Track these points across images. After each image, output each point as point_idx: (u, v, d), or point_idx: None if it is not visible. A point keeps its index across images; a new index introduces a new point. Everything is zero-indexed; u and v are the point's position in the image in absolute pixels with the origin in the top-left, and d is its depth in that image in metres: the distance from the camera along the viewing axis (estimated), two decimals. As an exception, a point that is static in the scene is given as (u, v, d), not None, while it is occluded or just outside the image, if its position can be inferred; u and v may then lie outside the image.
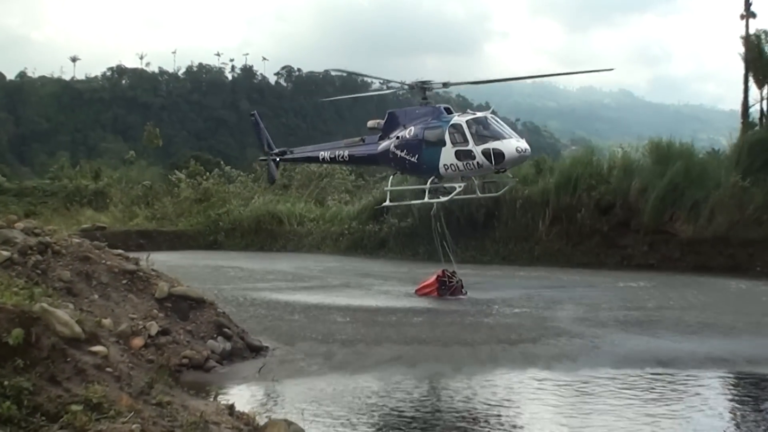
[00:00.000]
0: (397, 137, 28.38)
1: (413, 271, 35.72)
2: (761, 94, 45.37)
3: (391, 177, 30.30)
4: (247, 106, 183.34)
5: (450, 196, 27.42)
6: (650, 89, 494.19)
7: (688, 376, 15.86)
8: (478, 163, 26.03)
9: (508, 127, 27.10)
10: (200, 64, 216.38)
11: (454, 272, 28.30)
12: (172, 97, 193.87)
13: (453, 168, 26.70)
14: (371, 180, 61.59)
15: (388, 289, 30.43)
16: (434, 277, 28.13)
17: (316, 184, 62.87)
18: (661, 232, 40.44)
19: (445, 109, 28.23)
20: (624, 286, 31.58)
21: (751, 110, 45.74)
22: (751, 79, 45.55)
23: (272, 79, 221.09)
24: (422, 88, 29.04)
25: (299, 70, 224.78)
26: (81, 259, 16.48)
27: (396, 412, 12.85)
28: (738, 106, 46.25)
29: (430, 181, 27.48)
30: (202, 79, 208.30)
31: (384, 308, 24.61)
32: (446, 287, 27.72)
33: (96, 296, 15.74)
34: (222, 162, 73.66)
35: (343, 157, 31.32)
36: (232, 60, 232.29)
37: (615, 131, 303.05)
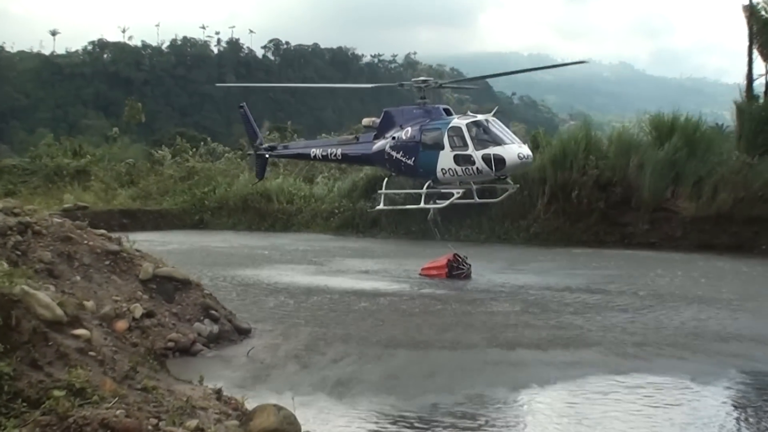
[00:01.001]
0: (393, 138, 28.32)
1: (408, 250, 35.78)
2: (766, 66, 45.37)
3: (386, 179, 30.16)
4: (233, 80, 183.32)
5: (447, 202, 27.34)
6: (652, 62, 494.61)
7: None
8: (477, 168, 26.04)
9: (510, 132, 27.07)
10: (185, 38, 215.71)
11: (465, 257, 28.34)
12: (156, 72, 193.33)
13: (451, 173, 26.69)
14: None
15: (382, 268, 30.48)
16: (444, 260, 28.12)
17: (306, 161, 62.76)
18: (662, 209, 40.56)
19: (445, 110, 28.21)
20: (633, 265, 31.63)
21: (755, 83, 45.73)
22: (755, 51, 45.50)
23: (259, 53, 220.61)
24: (420, 87, 28.94)
25: (287, 43, 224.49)
26: (62, 239, 16.43)
27: (389, 406, 12.80)
28: (743, 79, 46.18)
29: (426, 185, 27.42)
30: (187, 53, 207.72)
31: (382, 291, 24.61)
32: (456, 272, 27.74)
33: (78, 278, 15.70)
34: (208, 138, 73.58)
35: (335, 155, 31.29)
36: (217, 33, 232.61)
37: (615, 105, 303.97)
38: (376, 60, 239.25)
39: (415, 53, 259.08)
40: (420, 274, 28.22)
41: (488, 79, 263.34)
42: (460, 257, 28.14)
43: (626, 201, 41.31)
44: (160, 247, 33.70)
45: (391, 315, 20.18)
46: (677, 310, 21.23)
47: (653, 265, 31.68)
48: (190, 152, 65.23)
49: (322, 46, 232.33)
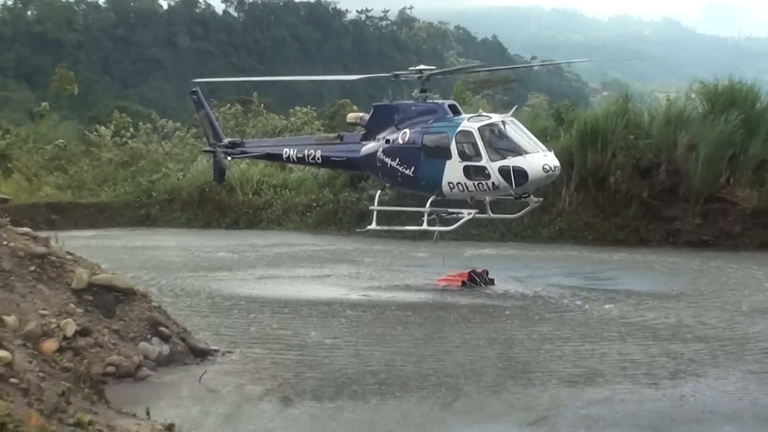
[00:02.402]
0: (387, 140, 28.20)
1: (402, 253, 35.89)
2: None
3: (379, 192, 30.26)
4: (187, 43, 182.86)
5: (454, 226, 27.50)
6: (703, 18, 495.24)
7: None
8: (493, 183, 25.98)
9: (532, 137, 27.03)
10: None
11: (487, 272, 28.67)
12: (91, 32, 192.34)
13: (461, 187, 26.63)
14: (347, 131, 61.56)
15: (372, 274, 30.56)
16: (466, 273, 28.45)
17: (275, 138, 62.77)
18: (717, 199, 40.57)
19: (451, 107, 28.17)
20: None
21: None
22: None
23: (219, 8, 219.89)
24: (421, 78, 28.74)
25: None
26: (-25, 240, 16.41)
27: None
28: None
29: (430, 201, 27.36)
30: (130, 9, 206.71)
31: (368, 306, 24.69)
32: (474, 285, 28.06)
33: (-5, 287, 15.69)
34: (155, 114, 73.39)
35: (314, 158, 31.06)
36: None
37: (658, 72, 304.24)
38: (363, 17, 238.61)
39: (411, 8, 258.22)
40: (437, 283, 28.56)
41: (502, 41, 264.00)
42: (483, 273, 28.45)
43: (673, 190, 41.32)
44: (97, 249, 33.66)
45: (377, 339, 20.11)
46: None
47: (719, 270, 31.66)
48: (132, 131, 64.99)
49: (297, 0, 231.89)
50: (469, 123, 26.57)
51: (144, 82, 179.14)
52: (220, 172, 35.46)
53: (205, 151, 38.25)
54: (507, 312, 23.34)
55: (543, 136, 44.12)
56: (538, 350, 18.65)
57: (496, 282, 28.20)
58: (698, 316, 22.74)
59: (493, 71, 65.86)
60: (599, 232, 41.48)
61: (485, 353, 18.16)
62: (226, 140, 34.57)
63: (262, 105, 71.64)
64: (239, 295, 25.92)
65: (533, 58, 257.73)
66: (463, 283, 27.96)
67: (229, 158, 34.42)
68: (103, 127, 66.09)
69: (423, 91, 28.65)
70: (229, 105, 69.19)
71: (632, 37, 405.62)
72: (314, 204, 50.24)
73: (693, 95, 45.56)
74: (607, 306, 24.02)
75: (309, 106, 70.45)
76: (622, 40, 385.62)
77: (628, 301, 25.05)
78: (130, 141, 62.99)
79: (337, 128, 64.09)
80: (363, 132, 29.71)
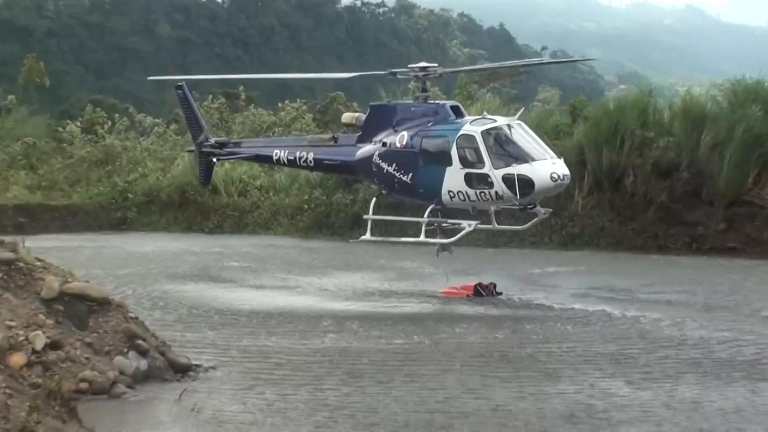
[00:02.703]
0: (384, 143, 28.35)
1: (400, 261, 35.91)
2: None
3: (374, 199, 30.19)
4: (167, 31, 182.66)
5: (454, 238, 27.65)
6: (729, 5, 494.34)
7: None
8: (496, 192, 26.14)
9: (541, 142, 27.17)
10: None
11: (494, 285, 28.79)
12: (63, 19, 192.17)
13: (462, 196, 26.80)
14: (342, 132, 61.44)
15: (368, 283, 30.63)
16: (471, 286, 28.57)
17: (265, 137, 62.58)
18: (743, 203, 40.63)
19: (453, 108, 28.27)
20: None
21: None
22: None
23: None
24: (418, 77, 28.86)
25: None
26: (-65, 245, 16.41)
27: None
28: None
29: (428, 210, 27.51)
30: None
31: (361, 314, 24.71)
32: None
33: (-42, 297, 15.69)
34: (132, 108, 73.28)
35: (306, 160, 31.20)
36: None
37: (680, 64, 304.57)
38: (358, 3, 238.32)
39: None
40: (441, 294, 28.58)
41: (509, 29, 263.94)
42: (491, 287, 28.57)
43: (695, 192, 41.37)
44: (69, 255, 33.64)
45: (372, 366, 20.04)
46: None
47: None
48: (106, 126, 64.79)
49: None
50: (472, 126, 26.68)
51: (120, 74, 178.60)
52: (206, 174, 35.40)
53: (190, 151, 38.18)
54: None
55: (555, 133, 44.37)
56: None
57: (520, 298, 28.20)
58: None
59: (501, 67, 65.63)
60: (615, 238, 41.53)
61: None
62: (213, 140, 34.57)
63: (249, 101, 71.40)
64: (224, 306, 25.94)
65: (543, 48, 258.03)
66: (468, 297, 28.04)
67: (215, 159, 34.44)
68: (72, 124, 65.77)
69: (424, 90, 28.76)
70: (212, 98, 68.86)
71: (651, 26, 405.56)
72: (305, 206, 50.23)
73: (718, 90, 45.64)
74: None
75: (299, 100, 70.13)
76: (641, 30, 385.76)
77: None
78: (106, 136, 62.78)
79: (329, 123, 64.25)
80: (359, 135, 29.69)
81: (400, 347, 20.37)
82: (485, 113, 28.51)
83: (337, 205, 48.45)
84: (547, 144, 28.05)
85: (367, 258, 37.85)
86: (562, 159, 27.08)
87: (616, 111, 44.17)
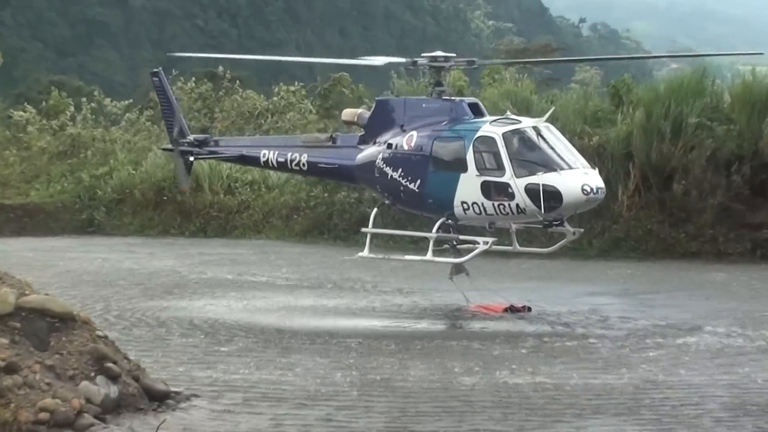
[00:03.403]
0: (389, 144, 28.31)
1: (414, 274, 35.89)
2: None
3: (375, 210, 30.05)
4: (140, 0, 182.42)
5: (465, 258, 27.67)
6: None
7: None
8: (517, 205, 25.95)
9: (572, 148, 27.16)
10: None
11: (529, 309, 28.83)
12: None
13: (477, 209, 26.63)
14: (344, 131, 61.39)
15: (377, 296, 30.66)
16: (502, 306, 28.69)
17: (255, 125, 62.51)
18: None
19: (471, 106, 28.19)
20: None
21: None
22: None
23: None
24: (435, 67, 28.85)
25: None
26: None
27: None
28: None
29: (438, 225, 27.48)
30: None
31: (368, 333, 24.73)
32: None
33: None
34: (99, 91, 73.21)
35: (299, 163, 31.17)
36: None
37: (741, 38, 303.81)
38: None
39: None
40: (471, 309, 28.69)
41: (543, 1, 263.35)
42: (525, 308, 28.68)
43: (761, 189, 41.34)
44: (27, 262, 33.75)
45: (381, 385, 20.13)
46: None
47: None
48: (69, 113, 64.69)
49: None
50: (492, 127, 26.55)
51: (86, 51, 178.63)
52: (185, 175, 35.52)
53: (166, 149, 38.03)
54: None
55: (595, 120, 44.32)
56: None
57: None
58: None
59: (541, 62, 65.15)
60: (666, 243, 41.40)
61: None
62: (192, 137, 34.14)
63: (237, 82, 70.73)
64: (209, 323, 25.97)
65: (582, 21, 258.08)
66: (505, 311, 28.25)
67: (192, 158, 34.17)
68: (22, 111, 65.36)
69: (438, 83, 28.73)
70: (194, 80, 68.25)
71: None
72: (302, 206, 50.10)
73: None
74: None
75: (297, 83, 69.24)
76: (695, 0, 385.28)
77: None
78: (69, 124, 62.64)
79: (331, 109, 64.13)
80: (361, 134, 29.78)
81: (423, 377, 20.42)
82: (508, 113, 28.45)
83: (340, 205, 48.20)
84: (577, 150, 27.84)
85: (372, 270, 37.84)
86: (597, 169, 27.01)
87: (667, 94, 43.99)
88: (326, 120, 62.99)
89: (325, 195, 49.40)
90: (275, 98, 66.23)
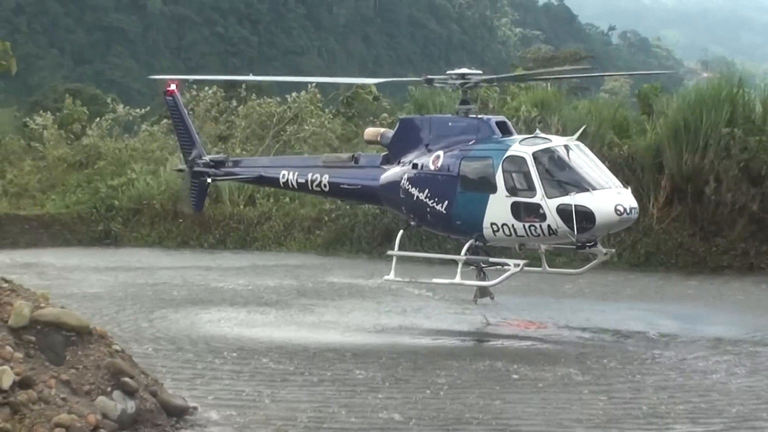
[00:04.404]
0: (414, 165, 28.29)
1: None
2: None
3: (401, 232, 29.93)
4: (159, 6, 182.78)
5: (495, 281, 27.69)
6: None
7: None
8: (549, 226, 25.88)
9: (604, 168, 27.21)
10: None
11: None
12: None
13: (507, 230, 26.54)
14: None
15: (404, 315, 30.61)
16: (534, 325, 29.12)
17: (275, 134, 62.39)
18: None
19: (499, 125, 28.12)
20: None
21: None
22: None
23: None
24: (456, 86, 28.89)
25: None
26: None
27: None
28: None
29: (466, 247, 27.39)
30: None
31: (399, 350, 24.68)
32: None
33: None
34: (116, 99, 73.27)
35: (320, 184, 31.08)
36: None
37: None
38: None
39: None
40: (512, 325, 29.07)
41: (570, 5, 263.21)
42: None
43: (795, 201, 41.24)
44: (42, 275, 33.77)
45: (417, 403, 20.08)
46: None
47: None
48: (85, 121, 64.65)
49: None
50: (522, 146, 26.46)
51: (103, 58, 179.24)
52: (199, 198, 35.32)
53: (180, 170, 37.70)
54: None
55: (623, 129, 44.19)
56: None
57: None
58: None
59: (566, 75, 64.63)
60: (697, 257, 41.21)
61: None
62: (207, 157, 34.07)
63: (253, 93, 70.11)
64: (227, 337, 25.98)
65: (611, 29, 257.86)
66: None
67: (209, 180, 33.96)
68: (47, 116, 65.39)
69: (464, 102, 28.71)
70: (207, 88, 67.38)
71: (742, 1, 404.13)
72: (325, 218, 50.01)
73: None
74: None
75: (315, 90, 67.79)
76: (729, 6, 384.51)
77: None
78: (87, 133, 62.57)
79: (354, 118, 63.90)
80: (385, 154, 29.75)
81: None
82: (538, 131, 28.37)
83: (363, 216, 48.08)
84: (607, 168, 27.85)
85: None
86: (629, 189, 26.98)
87: (698, 104, 43.83)
88: (349, 126, 62.86)
89: (348, 207, 49.28)
90: (292, 106, 65.13)
